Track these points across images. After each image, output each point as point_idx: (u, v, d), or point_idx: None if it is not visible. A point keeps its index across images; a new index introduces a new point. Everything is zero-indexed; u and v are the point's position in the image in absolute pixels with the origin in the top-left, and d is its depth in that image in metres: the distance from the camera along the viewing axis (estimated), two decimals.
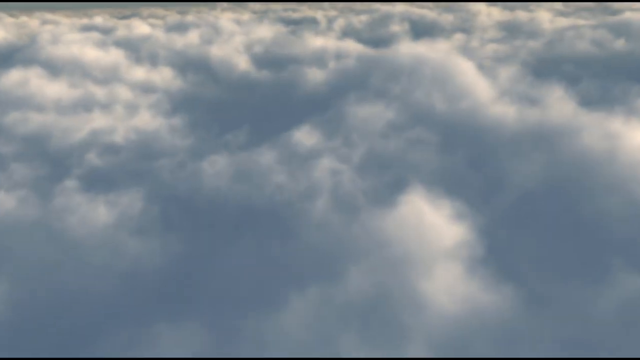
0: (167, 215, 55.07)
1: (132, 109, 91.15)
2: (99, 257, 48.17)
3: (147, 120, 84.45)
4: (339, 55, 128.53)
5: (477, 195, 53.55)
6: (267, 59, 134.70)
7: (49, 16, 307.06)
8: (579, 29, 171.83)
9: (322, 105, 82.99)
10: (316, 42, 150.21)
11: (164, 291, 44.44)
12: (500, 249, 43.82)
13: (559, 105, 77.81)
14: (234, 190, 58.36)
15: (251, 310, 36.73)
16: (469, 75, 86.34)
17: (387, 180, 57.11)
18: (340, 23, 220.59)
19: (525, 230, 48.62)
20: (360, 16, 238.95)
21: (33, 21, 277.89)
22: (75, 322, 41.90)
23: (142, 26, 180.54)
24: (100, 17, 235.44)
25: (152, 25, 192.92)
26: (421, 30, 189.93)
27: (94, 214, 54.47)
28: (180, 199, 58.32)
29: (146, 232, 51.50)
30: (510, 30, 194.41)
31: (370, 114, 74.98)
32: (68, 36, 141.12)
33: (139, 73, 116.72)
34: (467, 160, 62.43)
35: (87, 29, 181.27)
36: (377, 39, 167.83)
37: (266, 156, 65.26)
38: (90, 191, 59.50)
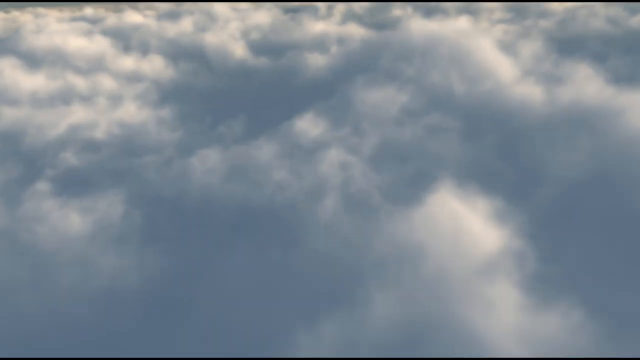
0: (150, 221, 49.90)
1: (116, 100, 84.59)
2: (71, 274, 43.30)
3: (132, 112, 77.86)
4: (341, 40, 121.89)
5: (515, 190, 46.19)
6: (265, 46, 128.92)
7: (41, 11, 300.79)
8: (591, 7, 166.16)
9: (327, 91, 76.27)
10: (316, 27, 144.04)
11: (145, 317, 37.82)
12: (553, 257, 36.23)
13: (589, 84, 70.51)
14: (228, 190, 52.84)
15: (248, 350, 29.03)
16: (488, 53, 78.58)
17: (407, 175, 50.01)
18: (340, 8, 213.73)
19: (577, 231, 41.21)
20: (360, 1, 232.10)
21: (25, 16, 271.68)
22: (42, 351, 37.18)
23: (133, 15, 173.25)
24: (92, 10, 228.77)
25: (144, 15, 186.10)
26: (425, 14, 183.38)
27: (67, 222, 49.82)
28: (166, 202, 52.74)
29: (126, 243, 47.30)
30: (518, 11, 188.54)
31: (381, 98, 67.72)
32: (53, 26, 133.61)
33: (127, 62, 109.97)
34: (497, 149, 55.22)
35: (76, 20, 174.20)
36: (380, 23, 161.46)
37: (265, 149, 59.59)
38: (64, 195, 54.60)
